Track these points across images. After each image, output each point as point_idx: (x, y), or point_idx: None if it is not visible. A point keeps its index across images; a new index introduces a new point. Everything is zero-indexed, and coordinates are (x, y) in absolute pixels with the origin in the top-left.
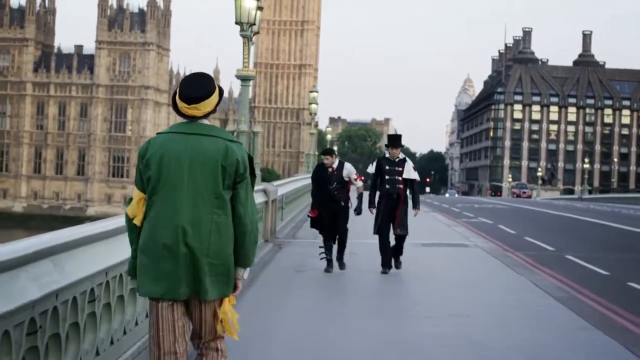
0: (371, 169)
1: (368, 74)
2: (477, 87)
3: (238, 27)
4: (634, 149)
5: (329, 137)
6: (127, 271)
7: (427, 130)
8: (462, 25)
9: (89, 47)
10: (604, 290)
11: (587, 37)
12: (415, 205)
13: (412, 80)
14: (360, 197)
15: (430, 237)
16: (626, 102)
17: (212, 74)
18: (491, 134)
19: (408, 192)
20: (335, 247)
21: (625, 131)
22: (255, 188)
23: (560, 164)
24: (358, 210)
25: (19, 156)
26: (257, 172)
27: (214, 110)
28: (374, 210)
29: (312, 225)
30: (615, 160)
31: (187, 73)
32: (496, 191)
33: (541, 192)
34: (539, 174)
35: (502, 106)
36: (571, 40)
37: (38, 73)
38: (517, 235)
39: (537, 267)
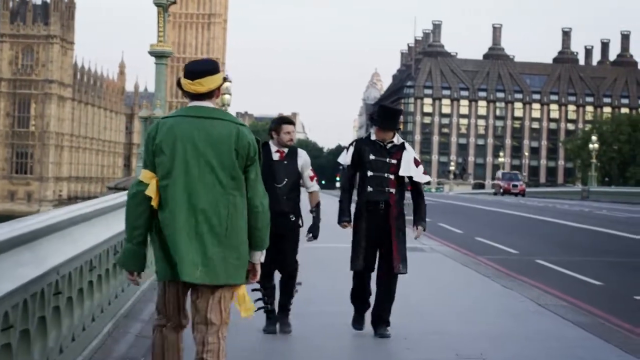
0: (344, 157)
1: (275, 69)
2: (386, 82)
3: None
4: (544, 142)
5: None
6: (119, 259)
7: (335, 124)
8: (370, 19)
9: None
10: (618, 309)
11: (497, 31)
12: (419, 220)
13: (320, 75)
14: (318, 208)
15: None
16: (536, 96)
17: (117, 68)
18: (401, 127)
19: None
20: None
21: (535, 125)
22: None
23: (471, 158)
24: (314, 233)
25: None
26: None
27: (217, 93)
28: (348, 226)
29: None
30: (526, 154)
31: (92, 67)
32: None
33: (453, 187)
34: (452, 168)
35: (411, 100)
36: (481, 34)
37: None
38: (467, 235)
39: (516, 276)
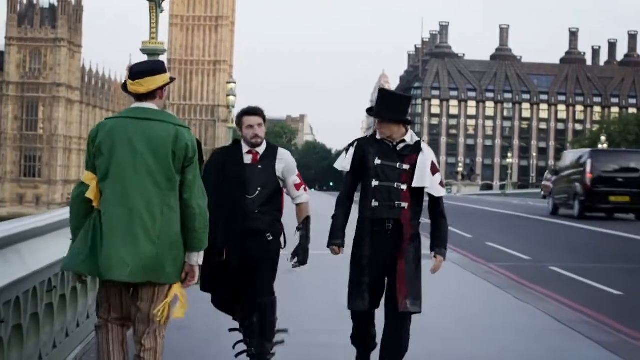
0: (342, 161)
1: (283, 71)
2: (393, 83)
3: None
4: (552, 143)
5: None
6: (65, 264)
7: (343, 126)
8: (377, 21)
9: None
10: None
11: (504, 31)
12: (438, 246)
13: (327, 76)
14: (307, 225)
15: None
16: (544, 97)
17: (125, 71)
18: (410, 120)
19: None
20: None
21: (543, 125)
22: None
23: (479, 159)
24: (301, 257)
25: None
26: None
27: (160, 94)
28: (339, 251)
29: (204, 287)
30: (534, 155)
31: (100, 70)
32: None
33: (461, 188)
34: (460, 169)
35: (419, 101)
36: (488, 35)
37: None
38: (476, 240)
39: (530, 286)
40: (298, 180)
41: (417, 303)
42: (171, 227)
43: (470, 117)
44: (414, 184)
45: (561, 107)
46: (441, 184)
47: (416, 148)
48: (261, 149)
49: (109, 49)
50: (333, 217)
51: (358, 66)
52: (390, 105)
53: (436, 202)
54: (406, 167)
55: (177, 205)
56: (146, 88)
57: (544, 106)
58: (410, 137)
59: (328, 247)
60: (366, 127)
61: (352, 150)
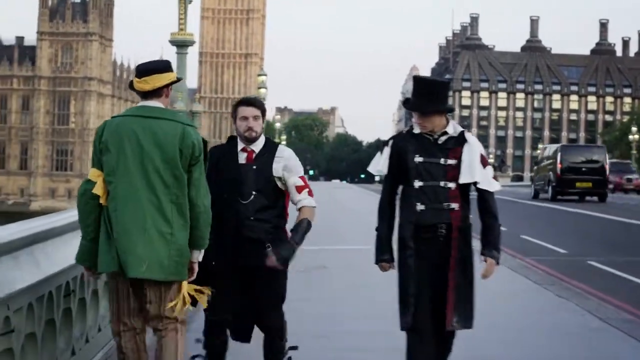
0: (378, 162)
1: (314, 63)
2: (424, 75)
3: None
4: (582, 134)
5: (277, 125)
6: (76, 255)
7: (374, 118)
8: (408, 13)
9: (31, 39)
10: None
11: (534, 23)
12: (489, 249)
13: (358, 68)
14: (302, 226)
15: None
16: (574, 88)
17: None
18: (454, 110)
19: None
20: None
21: (573, 117)
22: None
23: (510, 151)
24: (284, 254)
25: None
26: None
27: (167, 93)
28: (389, 267)
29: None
30: None
31: (132, 64)
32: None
33: None
34: (491, 160)
35: (450, 93)
36: (518, 26)
37: None
38: (511, 233)
39: (569, 281)
40: (300, 182)
41: (468, 319)
42: (179, 225)
43: (501, 108)
44: (462, 180)
45: (591, 98)
46: (495, 177)
47: (460, 139)
48: (257, 146)
49: (139, 42)
50: (376, 229)
51: (389, 58)
52: (428, 95)
53: (486, 199)
54: (452, 162)
55: (186, 203)
56: (152, 85)
57: (574, 97)
58: (452, 128)
59: (376, 264)
60: (397, 119)
61: (387, 149)
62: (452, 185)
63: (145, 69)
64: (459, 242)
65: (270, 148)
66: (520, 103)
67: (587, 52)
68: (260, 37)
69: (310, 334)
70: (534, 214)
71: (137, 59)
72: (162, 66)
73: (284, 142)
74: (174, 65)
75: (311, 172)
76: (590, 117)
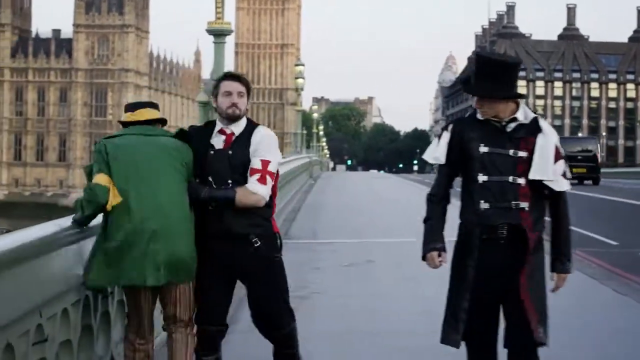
0: (434, 150)
1: (350, 53)
2: (461, 64)
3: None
4: (621, 122)
5: (315, 115)
6: (90, 281)
7: (410, 108)
8: (444, 2)
9: (67, 31)
10: None
11: (571, 11)
12: (562, 257)
13: (394, 58)
14: (223, 195)
15: (451, 232)
16: (612, 76)
17: (193, 56)
18: (524, 95)
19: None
20: None
21: (612, 105)
22: None
23: None
24: (195, 188)
25: None
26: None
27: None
28: (441, 260)
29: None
30: (603, 134)
31: (167, 56)
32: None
33: None
34: None
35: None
36: (555, 14)
37: (16, 59)
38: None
39: (626, 275)
40: (257, 165)
41: (542, 330)
42: (189, 228)
43: (539, 97)
44: (532, 176)
45: (630, 86)
46: (564, 174)
47: (533, 128)
48: (238, 128)
49: (175, 34)
50: (425, 219)
51: (426, 47)
52: (492, 76)
53: (558, 199)
54: (522, 154)
55: (190, 207)
56: (146, 117)
57: (612, 85)
58: (523, 114)
59: (424, 255)
60: (434, 108)
61: (446, 135)
62: (522, 180)
63: (138, 104)
64: (530, 246)
65: (250, 130)
66: (558, 92)
67: (624, 39)
68: (296, 27)
69: (357, 330)
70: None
71: (173, 50)
72: (151, 103)
73: (321, 132)
74: (211, 56)
75: (349, 162)
76: (630, 104)
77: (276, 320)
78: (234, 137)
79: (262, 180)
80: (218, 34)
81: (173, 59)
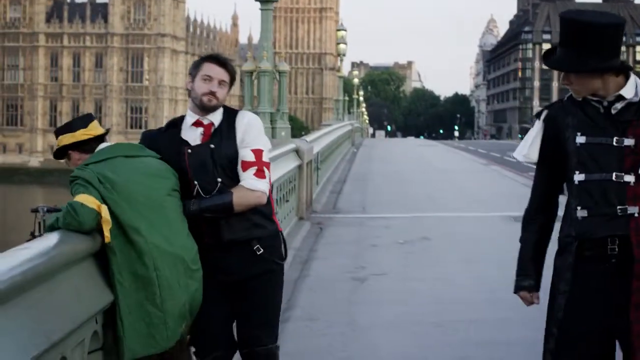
0: (525, 146)
1: (389, 16)
2: (502, 28)
3: None
4: None
5: (355, 81)
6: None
7: (451, 72)
8: None
9: None
10: None
11: None
12: None
13: (435, 21)
14: (219, 204)
15: (509, 206)
16: None
17: (230, 20)
18: (519, 74)
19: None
20: None
21: None
22: (285, 148)
23: None
24: (188, 206)
25: (34, 110)
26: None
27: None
28: (534, 299)
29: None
30: None
31: (205, 20)
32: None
33: None
34: None
35: (530, 46)
36: None
37: (50, 24)
38: None
39: None
40: (250, 157)
41: None
42: (197, 258)
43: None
44: None
45: None
46: None
47: None
48: (216, 117)
49: None
50: (523, 238)
51: (466, 11)
52: (581, 44)
53: None
54: (630, 142)
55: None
56: (101, 131)
57: None
58: (632, 90)
59: (516, 291)
60: (475, 72)
61: (539, 125)
62: (630, 178)
63: (84, 117)
64: (637, 269)
65: (231, 118)
66: None
67: None
68: None
69: (410, 319)
70: None
71: (210, 14)
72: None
73: (361, 98)
74: (248, 20)
75: (389, 128)
76: None
77: (267, 337)
78: (213, 128)
79: (259, 174)
80: (265, 1)
81: (210, 23)
